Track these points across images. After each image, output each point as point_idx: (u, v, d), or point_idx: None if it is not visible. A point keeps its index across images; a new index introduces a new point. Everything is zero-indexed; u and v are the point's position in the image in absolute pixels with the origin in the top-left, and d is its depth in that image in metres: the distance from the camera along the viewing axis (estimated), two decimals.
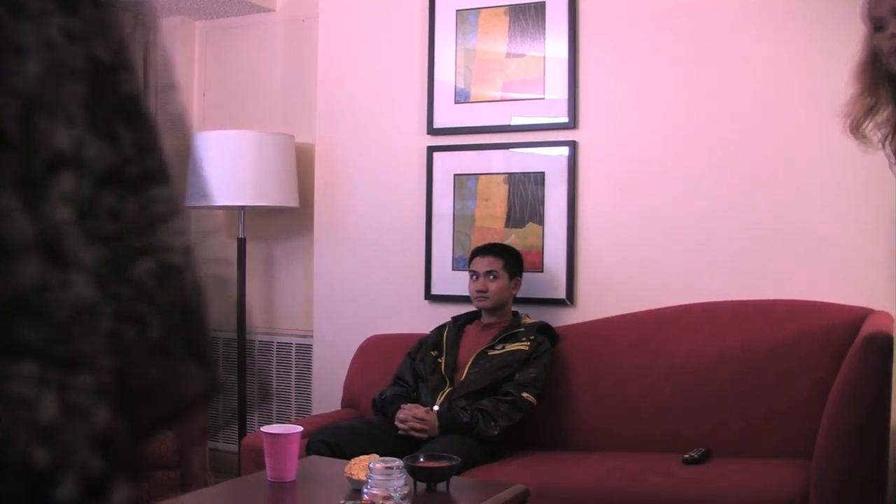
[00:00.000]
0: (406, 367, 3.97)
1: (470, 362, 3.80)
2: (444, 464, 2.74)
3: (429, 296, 4.44)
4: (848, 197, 3.69)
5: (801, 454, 3.29)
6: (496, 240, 4.20)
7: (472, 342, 3.91)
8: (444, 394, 3.74)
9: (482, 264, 3.92)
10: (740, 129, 3.82)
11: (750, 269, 3.79)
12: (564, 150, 4.15)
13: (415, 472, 2.70)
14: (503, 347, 3.79)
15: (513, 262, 3.96)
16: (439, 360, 3.89)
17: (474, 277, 3.94)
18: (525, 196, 4.23)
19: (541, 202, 4.20)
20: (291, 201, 4.70)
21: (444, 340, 3.96)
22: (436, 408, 3.67)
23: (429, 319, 4.20)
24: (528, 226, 4.22)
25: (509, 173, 4.28)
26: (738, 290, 3.75)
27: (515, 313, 3.97)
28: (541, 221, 4.19)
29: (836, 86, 3.72)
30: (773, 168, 3.80)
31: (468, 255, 4.10)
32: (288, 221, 5.04)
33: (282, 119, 5.07)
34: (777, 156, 3.79)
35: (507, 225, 4.26)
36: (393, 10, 4.59)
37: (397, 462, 2.50)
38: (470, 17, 4.38)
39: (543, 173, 4.19)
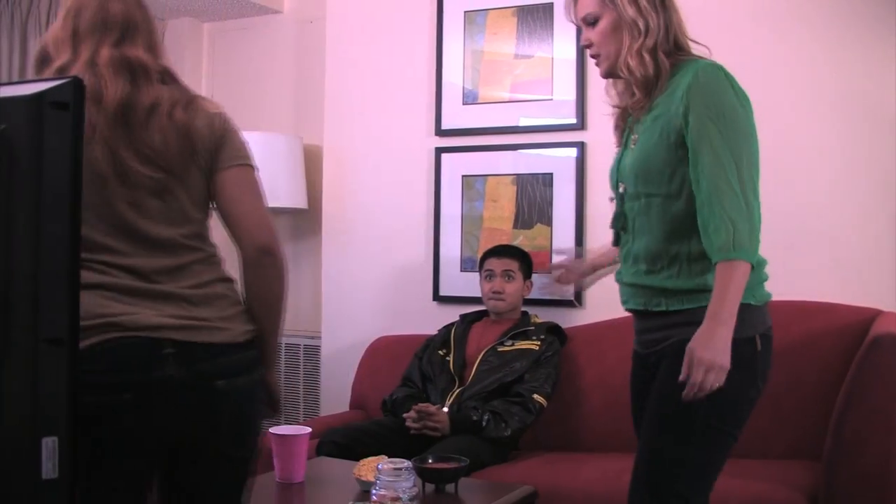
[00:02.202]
0: (414, 367, 3.97)
1: (479, 359, 3.80)
2: (452, 465, 2.75)
3: (437, 297, 4.44)
4: (856, 197, 3.69)
5: (809, 456, 3.29)
6: (504, 241, 4.19)
7: (480, 338, 3.92)
8: (454, 394, 3.74)
9: (499, 265, 3.93)
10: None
11: None
12: (573, 151, 4.15)
13: (423, 474, 2.70)
14: (513, 344, 3.79)
15: (526, 264, 3.98)
16: (447, 357, 3.90)
17: (489, 278, 3.94)
18: (533, 197, 4.23)
19: (549, 203, 4.20)
20: (300, 203, 4.70)
21: (451, 338, 3.97)
22: (444, 409, 3.67)
23: (437, 320, 4.20)
24: (536, 227, 4.22)
25: (517, 174, 4.28)
26: None
27: (524, 313, 3.98)
28: (549, 222, 4.19)
29: (843, 85, 3.73)
30: (781, 169, 3.79)
31: (479, 257, 4.10)
32: (296, 223, 5.05)
33: (290, 120, 5.08)
34: (784, 156, 3.79)
35: (515, 226, 4.26)
36: (401, 11, 4.59)
37: (406, 463, 2.50)
38: (478, 18, 4.38)
39: (552, 174, 4.19)
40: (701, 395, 2.08)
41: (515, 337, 3.82)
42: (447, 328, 4.05)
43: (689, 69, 2.19)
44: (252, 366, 2.01)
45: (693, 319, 2.14)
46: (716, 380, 2.07)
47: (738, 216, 2.08)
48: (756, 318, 2.20)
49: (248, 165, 2.05)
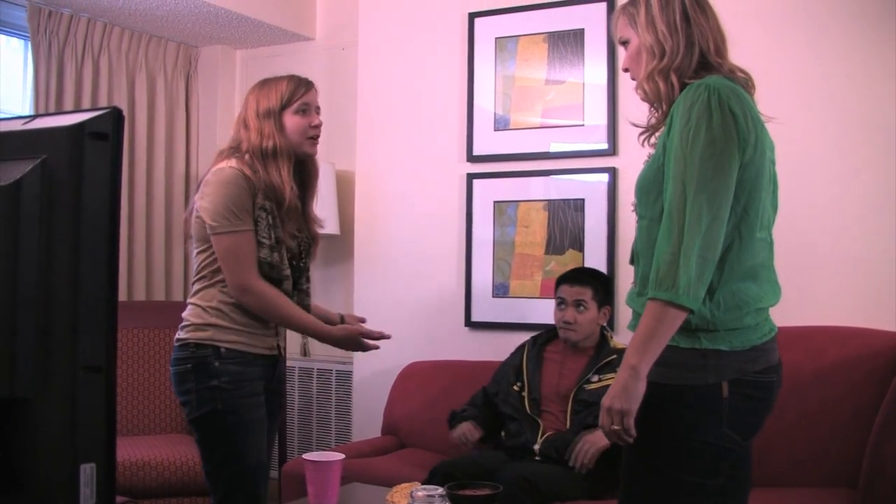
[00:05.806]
0: (478, 398, 3.87)
1: (570, 407, 3.61)
2: (485, 492, 2.73)
3: (469, 323, 4.44)
4: (891, 221, 3.66)
5: (844, 483, 3.26)
6: (536, 267, 4.18)
7: (560, 374, 3.72)
8: (544, 437, 3.60)
9: (571, 293, 3.72)
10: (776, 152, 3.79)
11: (791, 296, 3.72)
12: (604, 177, 4.15)
13: (456, 500, 2.69)
14: (599, 380, 3.60)
15: (602, 290, 3.77)
16: (522, 393, 3.72)
17: (561, 306, 3.73)
18: (565, 223, 4.23)
19: (581, 229, 4.19)
20: (331, 229, 4.72)
21: (524, 369, 3.77)
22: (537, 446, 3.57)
23: (469, 347, 4.19)
24: (567, 252, 4.21)
25: (549, 200, 4.28)
26: (779, 317, 3.66)
27: (602, 335, 3.77)
28: (581, 248, 4.19)
29: (870, 104, 3.71)
30: (813, 193, 3.77)
31: (555, 281, 3.86)
32: (328, 249, 5.07)
33: (322, 147, 5.07)
34: (817, 180, 3.77)
35: (546, 251, 4.25)
36: (432, 38, 4.62)
37: (439, 490, 2.50)
38: (509, 45, 4.40)
39: (583, 200, 4.19)
40: (618, 441, 2.04)
41: (600, 370, 3.62)
42: (517, 356, 3.87)
43: (686, 90, 2.12)
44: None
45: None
46: (617, 424, 2.03)
47: (679, 252, 2.00)
48: (726, 365, 2.07)
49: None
